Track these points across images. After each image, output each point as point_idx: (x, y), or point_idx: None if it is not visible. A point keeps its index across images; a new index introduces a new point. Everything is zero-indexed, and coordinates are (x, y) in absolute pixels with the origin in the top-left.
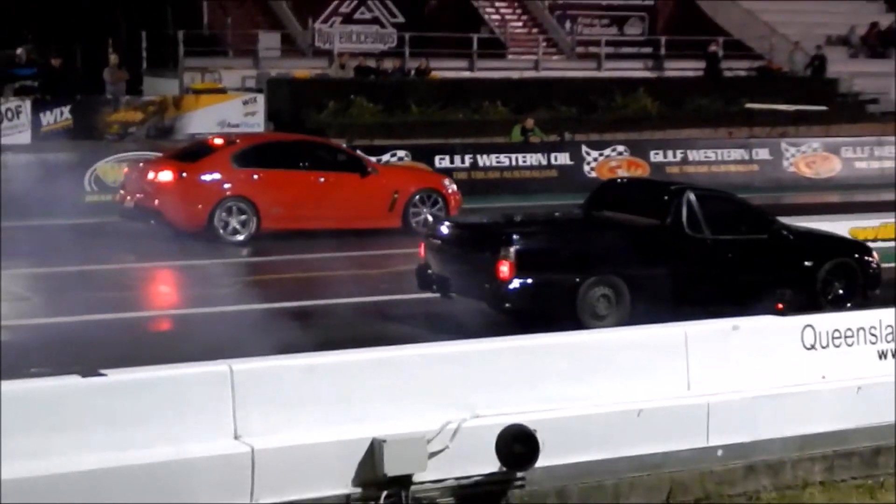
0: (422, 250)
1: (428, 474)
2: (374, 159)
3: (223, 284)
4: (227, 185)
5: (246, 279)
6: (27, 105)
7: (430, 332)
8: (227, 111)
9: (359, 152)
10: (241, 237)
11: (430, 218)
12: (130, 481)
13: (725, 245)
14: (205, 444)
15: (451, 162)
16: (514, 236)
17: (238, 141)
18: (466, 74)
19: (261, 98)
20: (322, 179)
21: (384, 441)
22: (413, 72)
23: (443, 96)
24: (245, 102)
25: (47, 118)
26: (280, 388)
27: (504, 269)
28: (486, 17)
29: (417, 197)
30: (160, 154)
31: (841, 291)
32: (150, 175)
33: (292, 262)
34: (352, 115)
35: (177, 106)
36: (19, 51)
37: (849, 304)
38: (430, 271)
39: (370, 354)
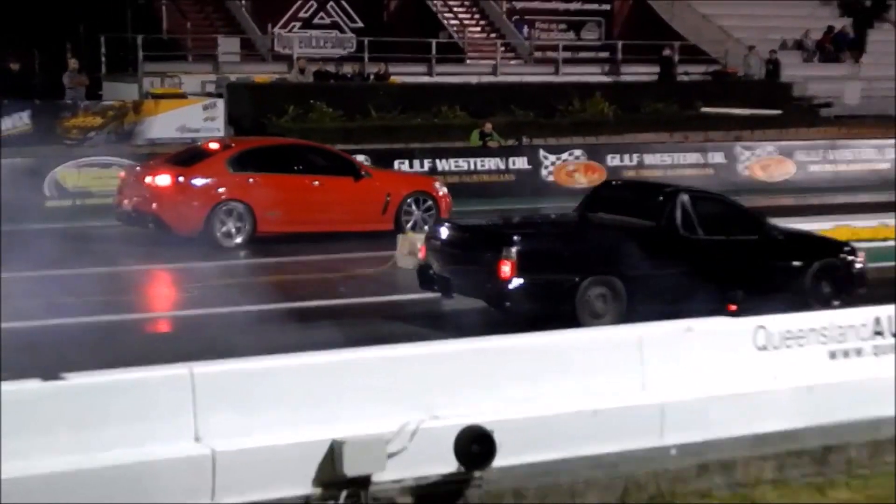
0: (423, 251)
1: (387, 474)
2: None
3: (186, 287)
4: (222, 189)
5: (215, 282)
6: None
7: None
8: (187, 116)
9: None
10: (237, 241)
11: (421, 219)
12: (93, 484)
13: (718, 245)
14: (166, 446)
15: (411, 166)
16: (515, 237)
17: (233, 145)
18: (425, 79)
19: (221, 103)
20: (316, 183)
21: (343, 442)
22: (372, 77)
23: (402, 101)
24: (205, 107)
25: (6, 123)
26: (240, 390)
27: (505, 269)
28: (445, 22)
29: (409, 199)
30: (118, 158)
31: (828, 290)
32: (148, 179)
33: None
34: (312, 120)
35: (136, 111)
36: None
37: (836, 303)
38: (431, 271)
39: (329, 357)
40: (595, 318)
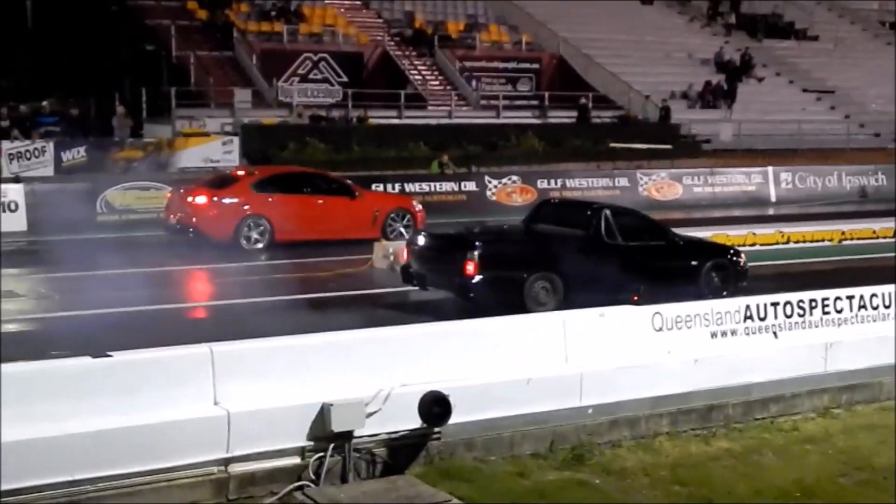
0: (405, 254)
1: (366, 430)
2: None
3: (216, 282)
4: (247, 206)
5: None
6: (51, 146)
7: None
8: (210, 150)
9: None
10: (259, 245)
11: (402, 230)
12: (133, 439)
13: (633, 249)
14: (191, 408)
15: (385, 189)
16: (477, 243)
17: (256, 172)
18: (396, 121)
19: (236, 140)
20: (321, 202)
21: (331, 405)
22: (355, 119)
23: (377, 138)
24: (224, 143)
25: (67, 156)
26: (250, 364)
27: (470, 267)
28: (411, 77)
29: (392, 215)
30: (155, 183)
31: (718, 284)
32: (189, 199)
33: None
34: (307, 153)
35: (170, 146)
36: (45, 103)
37: (724, 293)
38: (411, 270)
39: (321, 338)
40: (539, 306)
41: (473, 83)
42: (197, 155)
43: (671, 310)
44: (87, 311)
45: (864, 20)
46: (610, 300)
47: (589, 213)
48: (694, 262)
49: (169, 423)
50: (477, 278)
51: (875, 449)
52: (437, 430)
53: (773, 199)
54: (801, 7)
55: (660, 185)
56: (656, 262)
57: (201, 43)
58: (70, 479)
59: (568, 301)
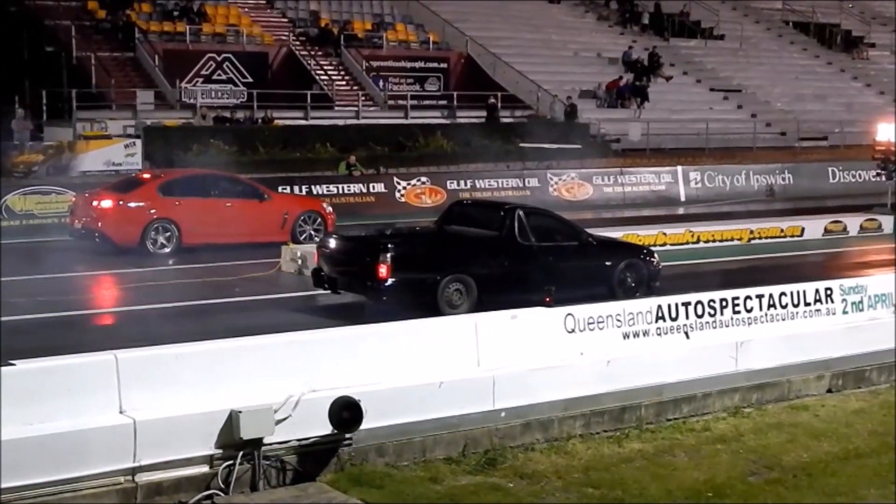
0: (315, 257)
1: (276, 437)
2: None
3: (123, 288)
4: (153, 210)
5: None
6: None
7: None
8: (112, 153)
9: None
10: (166, 250)
11: (312, 233)
12: (35, 449)
13: (547, 250)
14: (96, 416)
15: (292, 191)
16: (389, 245)
17: (162, 175)
18: (302, 122)
19: (139, 143)
20: (229, 204)
21: (240, 412)
22: (260, 120)
23: (283, 139)
24: (126, 146)
25: None
26: (156, 371)
27: (382, 270)
28: (317, 77)
29: (302, 217)
30: (56, 187)
31: (632, 283)
32: (94, 203)
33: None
34: (211, 155)
35: (71, 149)
36: None
37: (637, 294)
38: (322, 273)
39: (228, 344)
40: (452, 308)
41: (381, 83)
42: (99, 158)
43: (583, 311)
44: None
45: (767, 20)
46: (524, 301)
47: (502, 213)
48: (608, 262)
49: (74, 433)
50: (389, 281)
51: (784, 447)
52: (348, 435)
53: (683, 198)
54: (707, 6)
55: (570, 185)
56: (570, 263)
57: (102, 43)
58: None
59: (481, 303)
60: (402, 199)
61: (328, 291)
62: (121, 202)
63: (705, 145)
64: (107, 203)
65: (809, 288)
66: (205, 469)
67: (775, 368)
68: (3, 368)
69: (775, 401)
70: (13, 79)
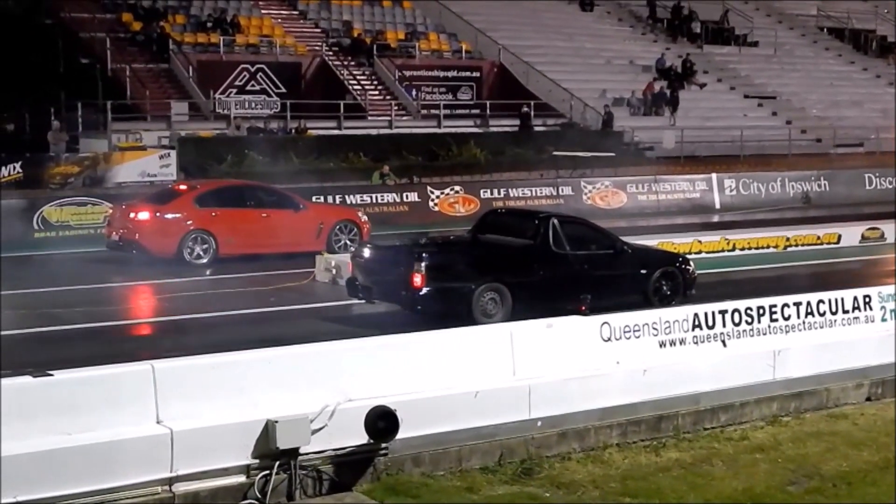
0: (349, 267)
1: (312, 447)
2: None
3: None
4: (190, 221)
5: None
6: None
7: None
8: (147, 164)
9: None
10: (203, 261)
11: (348, 242)
12: (74, 459)
13: (581, 258)
14: (134, 426)
15: (325, 201)
16: (424, 255)
17: (199, 186)
18: (335, 132)
19: (173, 153)
20: (265, 215)
21: (276, 421)
22: (293, 131)
23: (317, 149)
24: (161, 157)
25: (2, 172)
26: (193, 381)
27: (417, 279)
28: (350, 87)
29: (338, 227)
30: (92, 198)
31: (668, 292)
32: (132, 214)
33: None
34: (245, 166)
35: (106, 161)
36: None
37: (673, 302)
38: (357, 282)
39: (264, 353)
40: (487, 317)
41: (413, 92)
42: (134, 169)
43: (619, 319)
44: (27, 330)
45: (802, 26)
46: (559, 310)
47: (536, 222)
48: (643, 271)
49: (111, 443)
50: (424, 290)
51: (823, 456)
52: (384, 445)
53: (718, 206)
54: (741, 13)
55: (604, 194)
56: (605, 271)
57: (137, 55)
58: (12, 501)
59: (516, 312)
60: (436, 209)
61: (363, 301)
62: (158, 214)
63: (740, 152)
64: (144, 215)
65: (847, 295)
66: (241, 479)
67: (813, 377)
68: (40, 378)
69: (814, 409)
70: (49, 91)
